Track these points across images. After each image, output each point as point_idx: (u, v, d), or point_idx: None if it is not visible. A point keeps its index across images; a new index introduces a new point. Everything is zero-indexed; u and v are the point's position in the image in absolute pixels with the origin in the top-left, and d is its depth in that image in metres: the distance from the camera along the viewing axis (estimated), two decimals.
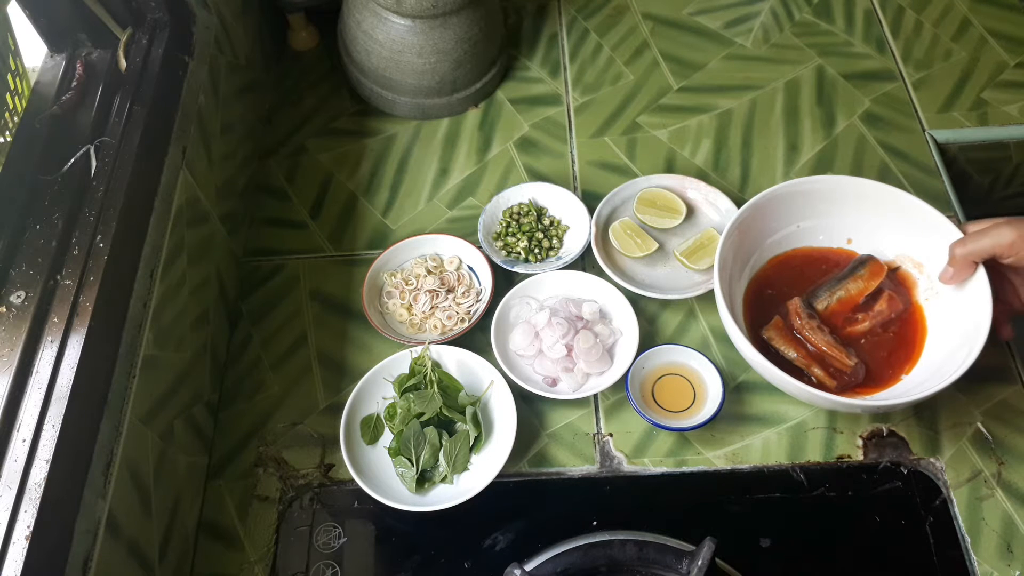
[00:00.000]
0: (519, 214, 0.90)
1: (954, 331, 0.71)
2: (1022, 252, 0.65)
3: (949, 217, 0.72)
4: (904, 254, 0.78)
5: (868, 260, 0.77)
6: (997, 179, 1.07)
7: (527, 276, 0.85)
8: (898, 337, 0.75)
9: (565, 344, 0.79)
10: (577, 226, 0.90)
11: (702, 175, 0.95)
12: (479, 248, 0.87)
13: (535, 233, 0.89)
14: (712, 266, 0.84)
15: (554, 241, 0.89)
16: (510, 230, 0.90)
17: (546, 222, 0.90)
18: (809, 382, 0.70)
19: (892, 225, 0.77)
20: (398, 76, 0.98)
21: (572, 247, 0.88)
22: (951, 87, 1.02)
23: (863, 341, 0.75)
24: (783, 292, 0.78)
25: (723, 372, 0.78)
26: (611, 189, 0.90)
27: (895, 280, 0.77)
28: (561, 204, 0.92)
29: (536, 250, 0.88)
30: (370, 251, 0.92)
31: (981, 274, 0.68)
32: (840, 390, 0.71)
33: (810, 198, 0.78)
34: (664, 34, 1.10)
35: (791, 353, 0.73)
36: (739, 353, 0.75)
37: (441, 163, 0.99)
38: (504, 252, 0.89)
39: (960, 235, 0.70)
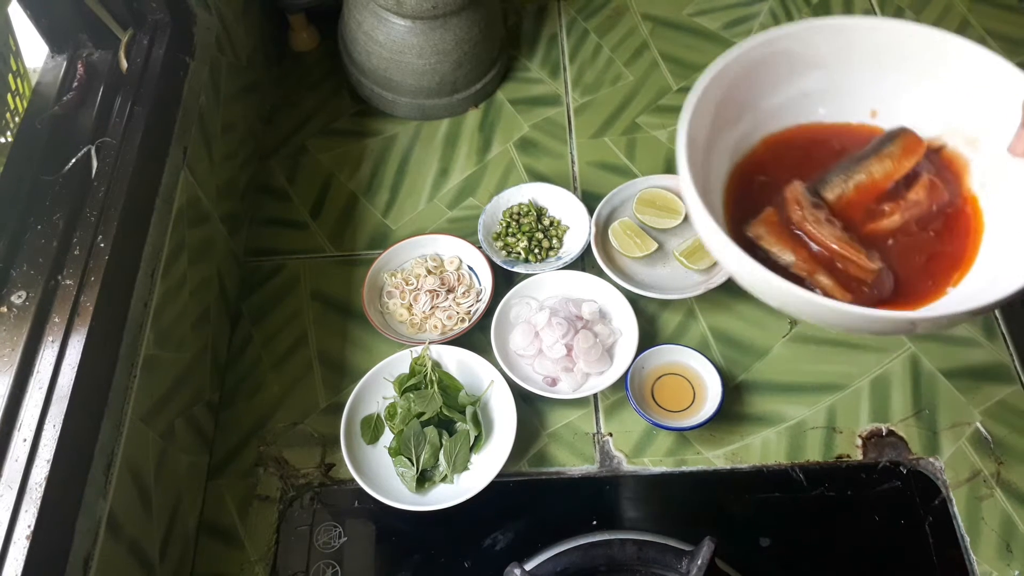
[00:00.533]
0: (519, 214, 0.91)
1: (1017, 225, 0.52)
2: None
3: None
4: (952, 127, 0.57)
5: (900, 133, 0.56)
6: None
7: (527, 276, 0.85)
8: (941, 238, 0.55)
9: (565, 344, 0.79)
10: (577, 226, 0.90)
11: None
12: (479, 248, 0.87)
13: (535, 233, 0.89)
14: (712, 266, 0.84)
15: (554, 241, 0.89)
16: (510, 230, 0.90)
17: (546, 222, 0.91)
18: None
19: (934, 86, 0.56)
20: (398, 77, 0.99)
21: (572, 247, 0.89)
22: None
23: (891, 242, 0.55)
24: (781, 179, 0.57)
25: (723, 372, 0.78)
26: (611, 189, 0.90)
27: (938, 163, 0.57)
28: (561, 204, 0.92)
29: (536, 250, 0.88)
30: (370, 251, 0.92)
31: None
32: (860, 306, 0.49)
33: (818, 52, 0.57)
34: (664, 35, 1.10)
35: (787, 256, 0.54)
36: (741, 357, 0.69)
37: (441, 163, 1.00)
38: (504, 252, 0.89)
39: None
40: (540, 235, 0.89)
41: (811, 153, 0.59)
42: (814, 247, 0.54)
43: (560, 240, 0.90)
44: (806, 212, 0.55)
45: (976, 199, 0.56)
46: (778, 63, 0.58)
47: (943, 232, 0.55)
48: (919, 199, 0.55)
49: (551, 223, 0.91)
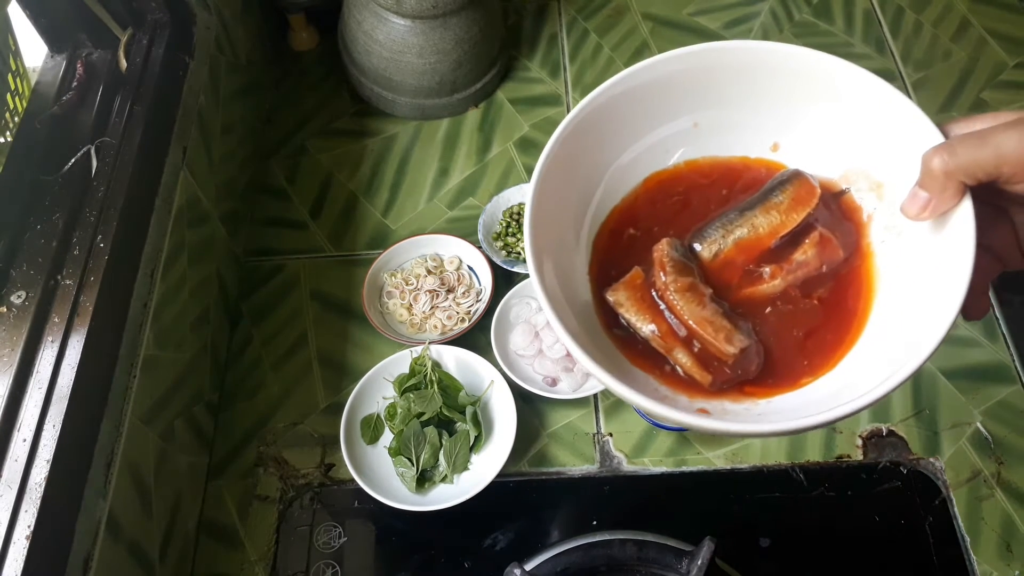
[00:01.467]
0: (519, 214, 0.91)
1: (913, 296, 0.43)
2: None
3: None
4: (857, 169, 0.48)
5: (792, 178, 0.48)
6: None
7: (527, 276, 0.85)
8: (827, 306, 0.46)
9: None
10: None
11: None
12: (479, 248, 0.87)
13: None
14: None
15: None
16: (510, 230, 0.90)
17: None
18: (672, 373, 0.46)
19: (840, 124, 0.48)
20: (398, 76, 0.98)
21: None
22: (950, 87, 1.02)
23: (769, 310, 0.47)
24: (653, 233, 0.50)
25: None
26: None
27: (836, 212, 0.48)
28: None
29: None
30: (370, 251, 0.92)
31: (967, 207, 0.39)
32: (718, 389, 0.45)
33: (712, 79, 0.49)
34: (664, 35, 1.10)
35: (647, 327, 0.46)
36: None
37: (441, 163, 0.99)
38: (504, 252, 0.89)
39: (941, 139, 0.42)
40: None
41: (693, 198, 0.51)
42: (673, 321, 0.47)
43: None
44: (669, 280, 0.46)
45: (873, 257, 0.47)
46: (661, 91, 0.50)
47: (829, 300, 0.47)
48: (806, 259, 0.47)
49: None
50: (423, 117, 1.04)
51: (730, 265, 0.48)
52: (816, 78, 0.47)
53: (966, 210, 0.39)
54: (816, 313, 0.46)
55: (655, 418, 0.41)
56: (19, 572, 0.52)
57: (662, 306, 0.47)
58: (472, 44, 0.97)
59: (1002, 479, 0.74)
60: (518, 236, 0.89)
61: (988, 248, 0.42)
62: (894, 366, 0.38)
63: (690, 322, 0.45)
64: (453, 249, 0.89)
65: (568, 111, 1.03)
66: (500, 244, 0.89)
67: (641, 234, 0.50)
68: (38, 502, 0.54)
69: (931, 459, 0.75)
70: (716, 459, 0.76)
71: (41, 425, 0.57)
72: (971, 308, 0.41)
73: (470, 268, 0.88)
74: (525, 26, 1.13)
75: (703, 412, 0.43)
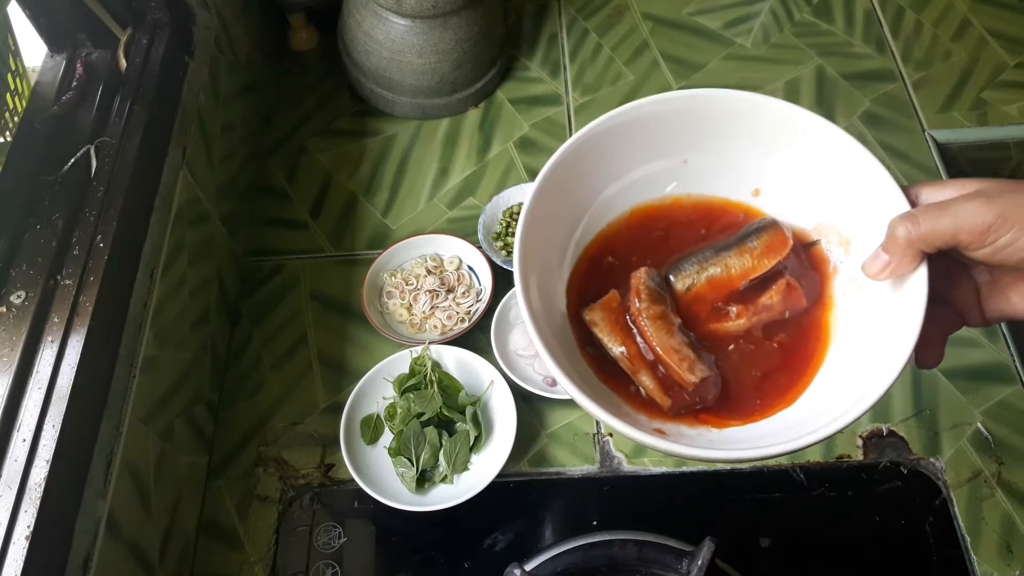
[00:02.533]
0: (519, 214, 0.90)
1: (867, 350, 0.46)
2: (1001, 239, 0.41)
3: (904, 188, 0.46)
4: (829, 223, 0.51)
5: (768, 227, 0.50)
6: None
7: None
8: (785, 349, 0.50)
9: None
10: None
11: None
12: (479, 248, 0.87)
13: None
14: None
15: None
16: (510, 230, 0.90)
17: None
18: (636, 394, 0.49)
19: (817, 177, 0.51)
20: (398, 76, 0.98)
21: None
22: (951, 87, 1.02)
23: (732, 348, 0.50)
24: (630, 262, 0.52)
25: None
26: None
27: (806, 262, 0.51)
28: None
29: None
30: (370, 251, 0.92)
31: (922, 272, 0.43)
32: (675, 412, 0.48)
33: (702, 121, 0.52)
34: (664, 34, 1.10)
35: (617, 348, 0.49)
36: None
37: (441, 163, 0.99)
38: (504, 252, 0.89)
39: (907, 207, 0.45)
40: None
41: (673, 234, 0.54)
42: (642, 345, 0.49)
43: None
44: (643, 306, 0.49)
45: (834, 307, 0.50)
46: (653, 128, 0.52)
47: (788, 345, 0.50)
48: (771, 303, 0.50)
49: None
50: (423, 117, 1.03)
51: (701, 300, 0.51)
52: (794, 130, 0.50)
53: (921, 275, 0.43)
54: (775, 356, 0.49)
55: (616, 433, 0.45)
56: (19, 572, 0.52)
57: (634, 330, 0.50)
58: (472, 44, 0.97)
59: (1002, 479, 0.74)
60: None
61: (950, 303, 0.46)
62: (841, 409, 0.41)
63: (657, 348, 0.48)
64: (453, 249, 0.89)
65: (568, 111, 1.03)
66: (500, 244, 0.89)
67: (620, 261, 0.53)
68: (38, 502, 0.54)
69: (931, 459, 0.75)
70: None
71: (41, 425, 0.57)
72: (926, 357, 0.46)
73: (470, 268, 0.88)
74: (525, 26, 1.13)
75: (659, 432, 0.46)
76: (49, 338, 0.61)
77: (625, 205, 0.55)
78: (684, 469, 0.76)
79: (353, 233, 0.94)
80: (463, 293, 0.85)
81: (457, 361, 0.80)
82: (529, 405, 0.80)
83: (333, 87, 1.08)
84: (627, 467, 0.76)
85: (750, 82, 1.04)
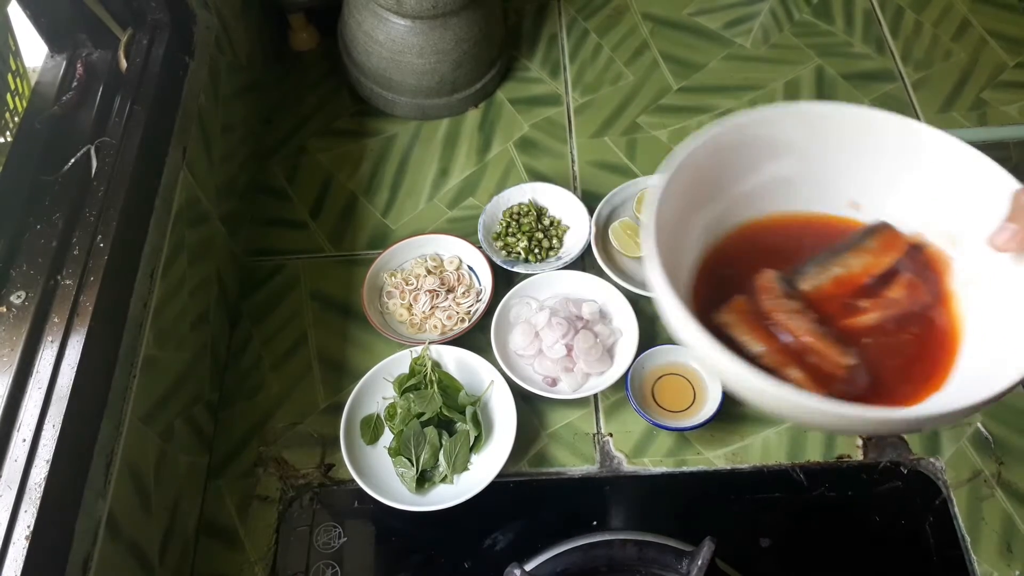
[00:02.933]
0: (519, 214, 0.91)
1: (1005, 328, 0.48)
2: None
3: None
4: (933, 224, 0.53)
5: (880, 228, 0.53)
6: None
7: (527, 276, 0.85)
8: (920, 340, 0.51)
9: (565, 344, 0.79)
10: (577, 226, 0.90)
11: None
12: (479, 248, 0.87)
13: (535, 233, 0.89)
14: None
15: (554, 241, 0.89)
16: (510, 230, 0.90)
17: (546, 222, 0.90)
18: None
19: (917, 181, 0.53)
20: (398, 76, 0.98)
21: (572, 247, 0.88)
22: (951, 87, 1.02)
23: (868, 340, 0.51)
24: (751, 269, 0.54)
25: None
26: (611, 189, 0.90)
27: (919, 262, 0.54)
28: (561, 204, 0.92)
29: (536, 250, 0.88)
30: (370, 251, 0.92)
31: None
32: None
33: (792, 138, 0.54)
34: (664, 34, 1.10)
35: (757, 346, 0.50)
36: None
37: (441, 163, 0.99)
38: (504, 252, 0.89)
39: (1019, 185, 0.47)
40: (540, 235, 0.89)
41: (782, 247, 0.56)
42: (785, 338, 0.50)
43: (560, 240, 0.90)
44: (778, 302, 0.51)
45: (957, 300, 0.52)
46: (751, 148, 0.54)
47: (923, 336, 0.51)
48: (898, 298, 0.52)
49: (551, 223, 0.91)
50: (423, 117, 1.04)
51: (830, 298, 0.52)
52: (898, 141, 0.53)
53: None
54: (912, 346, 0.51)
55: (798, 413, 0.46)
56: (19, 572, 0.52)
57: (772, 326, 0.50)
58: (472, 44, 0.97)
59: (1002, 479, 0.74)
60: (518, 236, 0.89)
61: None
62: (992, 383, 0.43)
63: (806, 337, 0.49)
64: (453, 249, 0.89)
65: (568, 111, 1.03)
66: (500, 244, 0.89)
67: (736, 272, 0.55)
68: (38, 502, 0.54)
69: (931, 459, 0.75)
70: (716, 459, 0.76)
71: (41, 425, 0.57)
72: None
73: (470, 268, 0.88)
74: (525, 26, 1.13)
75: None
76: (49, 338, 0.61)
77: (731, 222, 0.57)
78: (684, 469, 0.76)
79: (353, 233, 0.94)
80: (463, 293, 0.85)
81: (457, 361, 0.80)
82: (529, 405, 0.80)
83: (333, 87, 1.08)
84: (627, 467, 0.77)
85: (750, 82, 1.04)
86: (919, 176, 0.53)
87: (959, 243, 0.52)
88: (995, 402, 0.42)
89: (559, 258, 0.88)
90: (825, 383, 0.48)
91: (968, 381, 0.48)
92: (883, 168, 0.54)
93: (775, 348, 0.50)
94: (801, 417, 0.46)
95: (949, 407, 0.44)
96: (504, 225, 0.90)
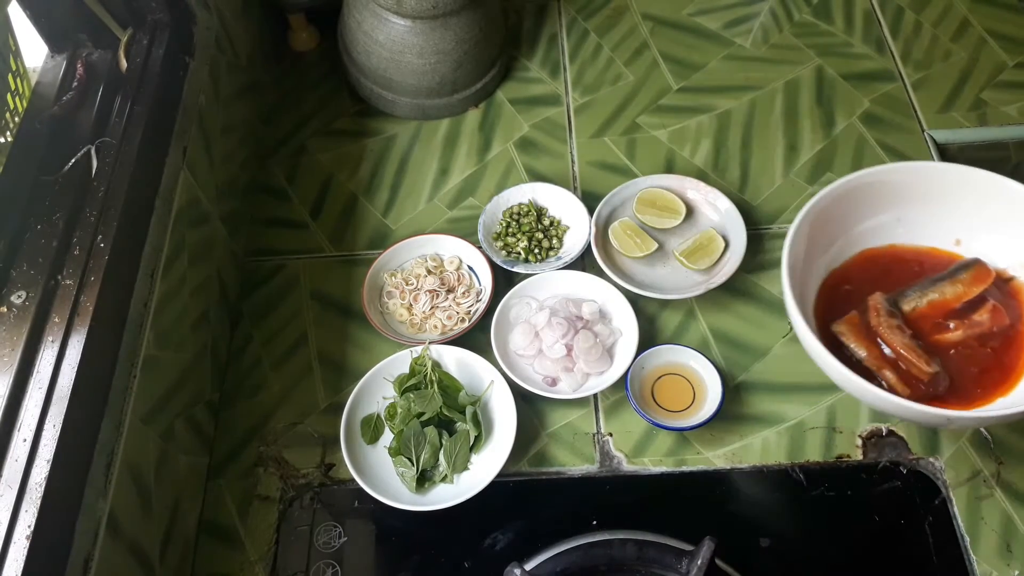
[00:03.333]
0: (519, 214, 0.91)
1: None
2: None
3: None
4: (1021, 262, 0.68)
5: (973, 264, 0.68)
6: None
7: (527, 276, 0.85)
8: (997, 355, 0.65)
9: (565, 344, 0.79)
10: (577, 226, 0.90)
11: (702, 175, 0.95)
12: (479, 248, 0.87)
13: (535, 233, 0.89)
14: (712, 266, 0.84)
15: (554, 241, 0.89)
16: (510, 230, 0.90)
17: (546, 222, 0.91)
18: (879, 387, 0.63)
19: (1010, 227, 0.67)
20: (398, 77, 0.99)
21: (572, 247, 0.88)
22: (950, 87, 1.02)
23: (952, 352, 0.66)
24: (864, 290, 0.70)
25: (723, 372, 0.78)
26: (611, 189, 0.90)
27: (1005, 292, 0.68)
28: (561, 204, 0.92)
29: (536, 250, 0.88)
30: (370, 251, 0.92)
31: None
32: (914, 400, 0.61)
33: (913, 187, 0.69)
34: (664, 34, 1.10)
35: (861, 352, 0.66)
36: (740, 357, 0.73)
37: (441, 163, 1.00)
38: (504, 252, 0.89)
39: None
40: (540, 235, 0.89)
41: (893, 270, 0.71)
42: (885, 348, 0.66)
43: (560, 240, 0.90)
44: (882, 319, 0.66)
45: None
46: (872, 194, 0.69)
47: (999, 350, 0.65)
48: (982, 320, 0.66)
49: (551, 223, 0.91)
50: (423, 117, 1.04)
51: (924, 318, 0.68)
52: (996, 196, 0.67)
53: None
54: (989, 358, 0.65)
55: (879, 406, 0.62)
56: (19, 572, 0.52)
57: (876, 338, 0.66)
58: (472, 44, 0.98)
59: (1002, 479, 0.74)
60: (518, 236, 0.89)
61: None
62: None
63: (899, 348, 0.65)
64: (453, 249, 0.89)
65: (568, 111, 1.03)
66: (500, 244, 0.89)
67: (855, 288, 0.71)
68: (38, 502, 0.54)
69: (931, 459, 0.75)
70: (716, 459, 0.76)
71: (41, 425, 0.57)
72: None
73: (470, 268, 0.88)
74: (525, 26, 1.13)
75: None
76: (50, 338, 0.61)
77: (855, 249, 0.73)
78: (684, 469, 0.76)
79: (353, 233, 0.94)
80: (463, 293, 0.85)
81: (457, 361, 0.80)
82: (529, 405, 0.80)
83: (333, 87, 1.08)
84: (627, 467, 0.77)
85: (750, 82, 1.04)
86: (1010, 221, 0.67)
87: None
88: None
89: (559, 258, 0.88)
90: (912, 385, 0.64)
91: None
92: (981, 214, 0.68)
93: (875, 355, 0.66)
94: (877, 406, 0.63)
95: (1010, 409, 0.57)
96: (504, 225, 0.90)
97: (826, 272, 0.72)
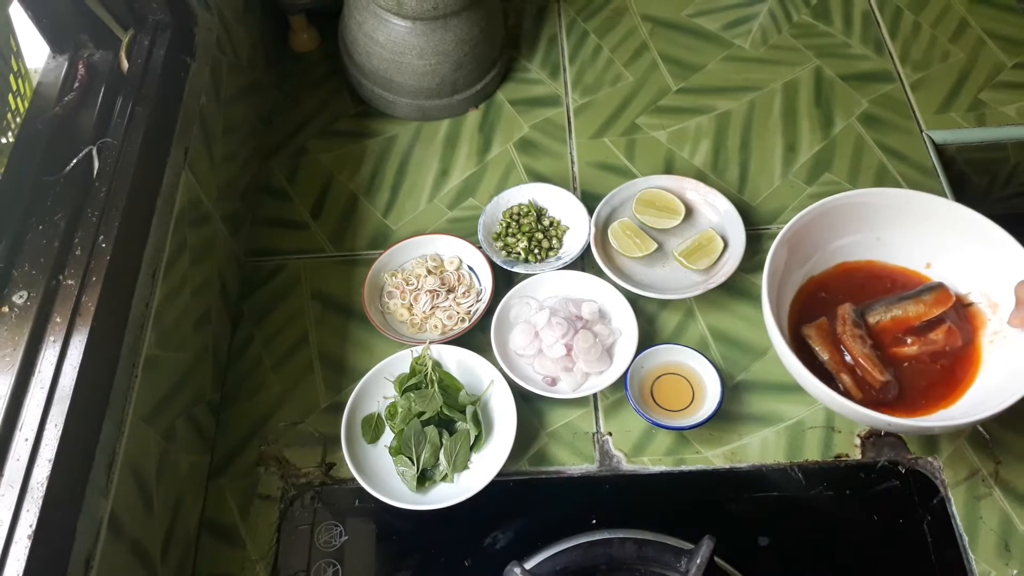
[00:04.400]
0: (519, 215, 0.91)
1: (1005, 379, 0.68)
2: None
3: None
4: (982, 290, 0.74)
5: (937, 287, 0.74)
6: (995, 180, 1.07)
7: (527, 276, 0.85)
8: (945, 371, 0.71)
9: (565, 344, 0.79)
10: (577, 226, 0.90)
11: (701, 176, 0.95)
12: (479, 248, 0.88)
13: (535, 234, 0.89)
14: (712, 266, 0.84)
15: (554, 241, 0.89)
16: (510, 231, 0.90)
17: (546, 223, 0.91)
18: (836, 388, 0.69)
19: (976, 257, 0.73)
20: (399, 78, 0.99)
21: (572, 247, 0.89)
22: (949, 88, 1.02)
23: (906, 365, 0.73)
24: (838, 298, 0.76)
25: (721, 371, 0.79)
26: (610, 190, 0.90)
27: (963, 315, 0.74)
28: (561, 205, 0.92)
29: (536, 250, 0.88)
30: (371, 251, 0.92)
31: None
32: (866, 404, 0.66)
33: (894, 211, 0.75)
34: (663, 35, 1.11)
35: (824, 355, 0.72)
36: (740, 357, 0.74)
37: (441, 164, 1.00)
38: (504, 252, 0.89)
39: None
40: (540, 235, 0.89)
41: (867, 285, 0.77)
42: (846, 355, 0.72)
43: (560, 240, 0.90)
44: (848, 328, 0.72)
45: (981, 351, 0.72)
46: (853, 213, 0.75)
47: (948, 368, 0.72)
48: (937, 339, 0.72)
49: (551, 223, 0.91)
50: (423, 118, 1.04)
51: (886, 331, 0.74)
52: (967, 229, 0.72)
53: None
54: (938, 374, 0.72)
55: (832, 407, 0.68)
56: (21, 571, 0.52)
57: (839, 344, 0.72)
58: (472, 45, 0.98)
59: (1000, 478, 0.74)
60: (518, 236, 0.89)
61: None
62: (979, 410, 0.63)
63: (858, 356, 0.71)
64: (453, 249, 0.89)
65: (568, 112, 1.03)
66: (500, 244, 0.89)
67: (829, 296, 0.77)
68: (40, 502, 0.54)
69: (929, 458, 0.76)
70: (715, 458, 0.77)
71: (43, 425, 0.57)
72: None
73: (470, 268, 0.89)
74: (525, 27, 1.13)
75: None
76: (51, 338, 0.61)
77: (834, 260, 0.78)
78: (683, 468, 0.76)
79: (354, 233, 0.94)
80: (463, 293, 0.86)
81: (457, 361, 0.80)
82: (529, 405, 0.80)
83: (334, 88, 1.08)
84: (626, 466, 0.77)
85: (749, 83, 1.04)
86: (971, 248, 0.73)
87: (997, 310, 0.72)
88: (972, 426, 0.64)
89: (559, 258, 0.88)
90: (865, 389, 0.70)
91: (968, 406, 0.68)
92: (946, 240, 0.74)
93: (836, 359, 0.72)
94: (834, 408, 0.68)
95: (948, 421, 0.67)
96: (504, 225, 0.90)
97: (805, 278, 0.77)
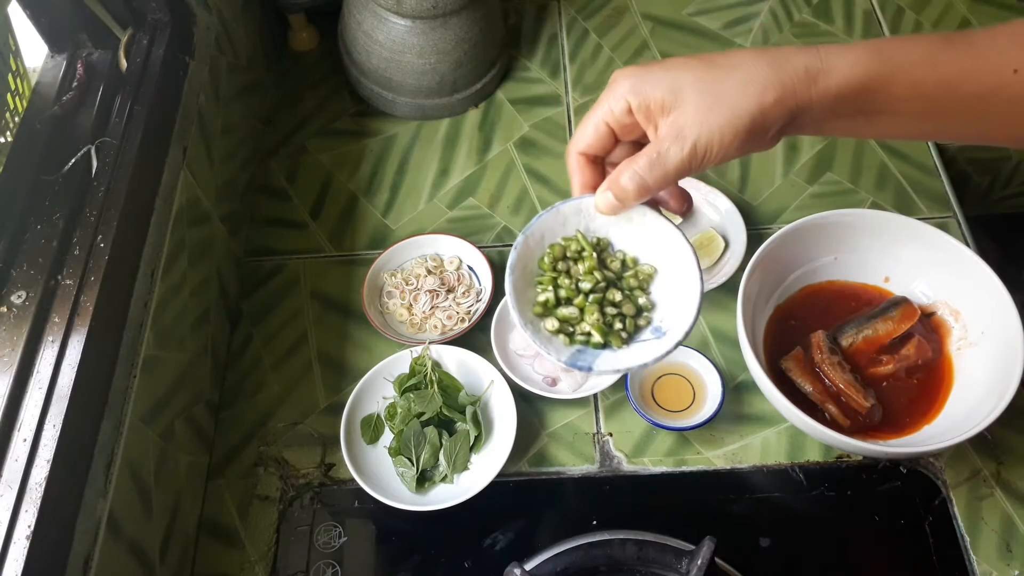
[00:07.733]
0: (568, 258, 0.54)
1: (981, 385, 0.69)
2: (642, 109, 0.45)
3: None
4: (941, 299, 0.75)
5: (902, 302, 0.75)
6: (996, 178, 1.07)
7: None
8: (922, 385, 0.73)
9: None
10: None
11: (701, 175, 0.95)
12: (479, 248, 0.87)
13: (606, 291, 0.53)
14: (712, 266, 0.84)
15: (639, 298, 0.54)
16: (561, 292, 0.53)
17: (615, 264, 0.54)
18: (823, 418, 0.70)
19: (932, 268, 0.75)
20: (398, 77, 0.99)
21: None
22: None
23: (885, 384, 0.73)
24: (808, 324, 0.76)
25: (722, 372, 0.78)
26: None
27: (928, 326, 0.75)
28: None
29: (616, 323, 0.53)
30: (370, 251, 0.92)
31: (1014, 321, 0.66)
32: (854, 430, 0.69)
33: (849, 230, 0.76)
34: (664, 35, 1.10)
35: (807, 387, 0.72)
36: (740, 357, 0.74)
37: (441, 163, 1.00)
38: (563, 337, 0.53)
39: (997, 282, 0.69)
40: (615, 293, 0.53)
41: (832, 306, 0.78)
42: (828, 383, 0.72)
43: (646, 293, 0.54)
44: (824, 356, 0.72)
45: (951, 358, 0.74)
46: (815, 236, 0.76)
47: (924, 381, 0.73)
48: (909, 354, 0.73)
49: (623, 263, 0.55)
50: (423, 117, 1.04)
51: (860, 352, 0.75)
52: (921, 241, 0.74)
53: (1014, 323, 0.67)
54: (916, 389, 0.73)
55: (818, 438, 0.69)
56: (19, 572, 0.52)
57: (819, 373, 0.73)
58: (472, 44, 0.98)
59: (1002, 479, 0.74)
60: (578, 302, 0.53)
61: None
62: (966, 424, 0.64)
63: (840, 384, 0.71)
64: (453, 249, 0.89)
65: (568, 111, 1.03)
66: (553, 325, 0.53)
67: (799, 323, 0.77)
68: (38, 502, 0.54)
69: (930, 459, 0.75)
70: (716, 459, 0.76)
71: (41, 425, 0.57)
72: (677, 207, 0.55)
73: (470, 268, 0.88)
74: (525, 26, 1.13)
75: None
76: (50, 338, 0.61)
77: (797, 286, 0.80)
78: (684, 469, 0.76)
79: (353, 233, 0.94)
80: (463, 293, 0.85)
81: (457, 361, 0.80)
82: (529, 405, 0.80)
83: (333, 87, 1.08)
84: (627, 467, 0.77)
85: None
86: (927, 260, 0.74)
87: (959, 317, 0.74)
88: (959, 442, 0.63)
89: (657, 329, 0.53)
90: (851, 416, 0.70)
91: (950, 420, 0.69)
92: (903, 254, 0.76)
93: (819, 389, 0.72)
94: (828, 443, 0.71)
95: (931, 442, 0.66)
96: (551, 285, 0.53)
97: (772, 308, 0.78)
